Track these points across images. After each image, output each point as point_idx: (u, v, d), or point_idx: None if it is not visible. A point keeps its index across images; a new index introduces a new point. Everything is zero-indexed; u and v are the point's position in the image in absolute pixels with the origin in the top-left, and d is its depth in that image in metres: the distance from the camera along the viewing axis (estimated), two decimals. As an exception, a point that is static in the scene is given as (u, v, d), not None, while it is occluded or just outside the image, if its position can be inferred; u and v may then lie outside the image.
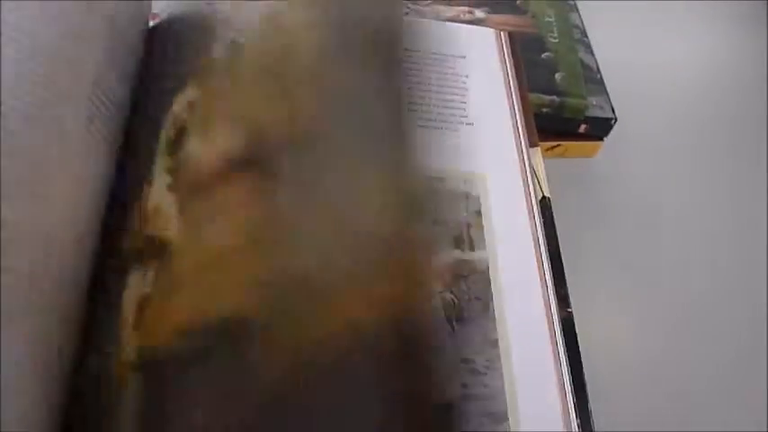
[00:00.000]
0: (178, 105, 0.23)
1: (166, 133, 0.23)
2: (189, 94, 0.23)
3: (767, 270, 0.35)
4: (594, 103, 0.36)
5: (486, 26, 0.36)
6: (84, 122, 0.19)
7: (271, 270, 0.19)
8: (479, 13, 0.40)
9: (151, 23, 0.28)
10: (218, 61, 0.24)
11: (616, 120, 0.36)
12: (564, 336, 0.24)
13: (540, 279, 0.25)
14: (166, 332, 0.19)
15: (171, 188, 0.21)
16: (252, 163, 0.21)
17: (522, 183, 0.27)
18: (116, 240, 0.21)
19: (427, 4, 0.40)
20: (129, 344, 0.19)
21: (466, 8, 0.40)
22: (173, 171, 0.22)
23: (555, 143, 0.37)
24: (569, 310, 0.25)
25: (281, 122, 0.22)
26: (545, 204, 0.28)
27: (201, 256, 0.20)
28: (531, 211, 0.27)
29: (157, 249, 0.20)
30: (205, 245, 0.20)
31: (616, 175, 0.39)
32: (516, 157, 0.28)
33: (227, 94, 0.23)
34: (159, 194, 0.21)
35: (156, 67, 0.25)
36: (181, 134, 0.23)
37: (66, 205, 0.18)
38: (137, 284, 0.20)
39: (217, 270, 0.19)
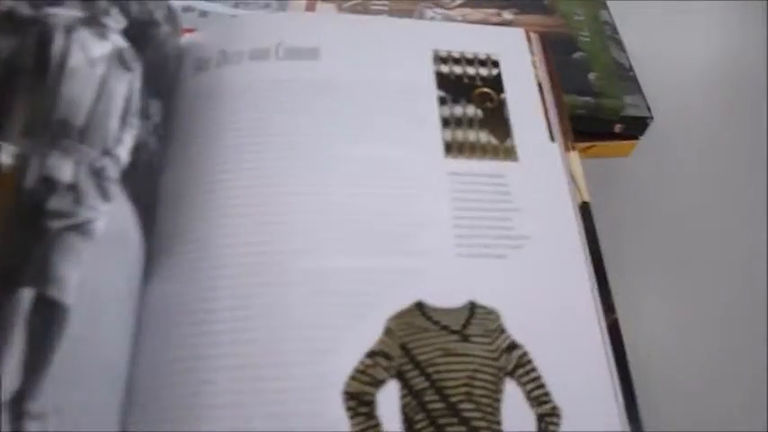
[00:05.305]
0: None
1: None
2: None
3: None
4: (629, 101, 0.36)
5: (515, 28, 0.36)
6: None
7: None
8: (507, 15, 0.40)
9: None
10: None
11: (652, 118, 0.36)
12: (612, 343, 0.24)
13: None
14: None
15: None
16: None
17: (561, 189, 0.27)
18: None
19: (456, 6, 0.40)
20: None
21: (494, 10, 0.40)
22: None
23: (589, 144, 0.37)
24: (614, 316, 0.25)
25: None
26: (585, 209, 0.28)
27: None
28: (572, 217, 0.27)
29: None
30: None
31: (652, 174, 0.38)
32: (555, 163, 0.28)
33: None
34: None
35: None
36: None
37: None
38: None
39: None
